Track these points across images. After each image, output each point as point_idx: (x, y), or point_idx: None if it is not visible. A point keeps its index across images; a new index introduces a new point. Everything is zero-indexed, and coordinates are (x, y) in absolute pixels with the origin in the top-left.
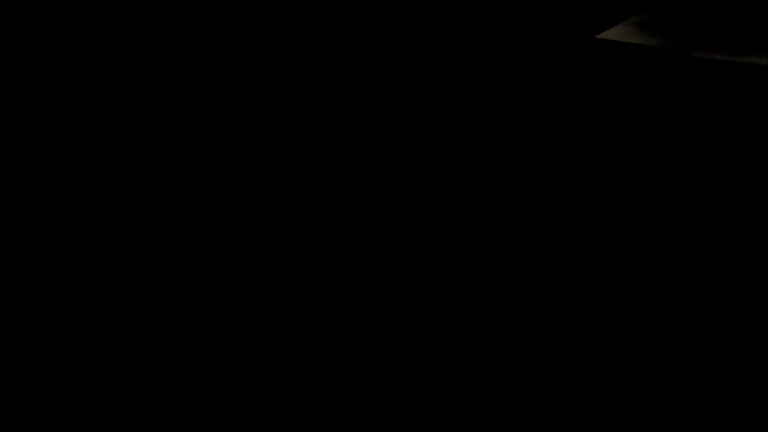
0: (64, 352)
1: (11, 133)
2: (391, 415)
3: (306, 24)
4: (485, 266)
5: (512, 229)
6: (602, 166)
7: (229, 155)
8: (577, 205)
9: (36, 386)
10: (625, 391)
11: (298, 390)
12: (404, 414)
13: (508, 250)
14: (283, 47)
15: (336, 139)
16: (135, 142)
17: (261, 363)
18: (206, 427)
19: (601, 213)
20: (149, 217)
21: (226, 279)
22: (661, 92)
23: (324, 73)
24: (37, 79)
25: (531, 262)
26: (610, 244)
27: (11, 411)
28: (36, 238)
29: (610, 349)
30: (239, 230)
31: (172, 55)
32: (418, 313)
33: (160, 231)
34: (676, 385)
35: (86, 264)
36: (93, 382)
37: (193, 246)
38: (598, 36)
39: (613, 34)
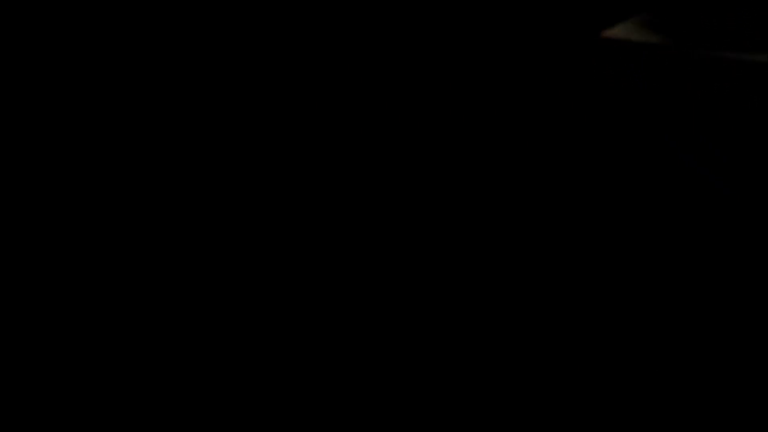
0: (64, 351)
1: (11, 133)
2: (391, 415)
3: (306, 24)
4: (486, 266)
5: (513, 228)
6: (602, 165)
7: (229, 155)
8: (577, 204)
9: (36, 386)
10: (626, 390)
11: (298, 390)
12: (404, 414)
13: (508, 249)
14: (283, 47)
15: (337, 138)
16: (134, 142)
17: (261, 363)
18: (206, 427)
19: (601, 212)
20: (149, 217)
21: (226, 279)
22: (663, 91)
23: (324, 72)
24: (37, 79)
25: (531, 262)
26: (609, 243)
27: (11, 411)
28: (36, 238)
29: (611, 349)
30: (239, 230)
31: (171, 55)
32: (418, 312)
33: (159, 231)
34: (677, 384)
35: (86, 264)
36: (93, 382)
37: (193, 246)
38: (603, 34)
39: (618, 32)
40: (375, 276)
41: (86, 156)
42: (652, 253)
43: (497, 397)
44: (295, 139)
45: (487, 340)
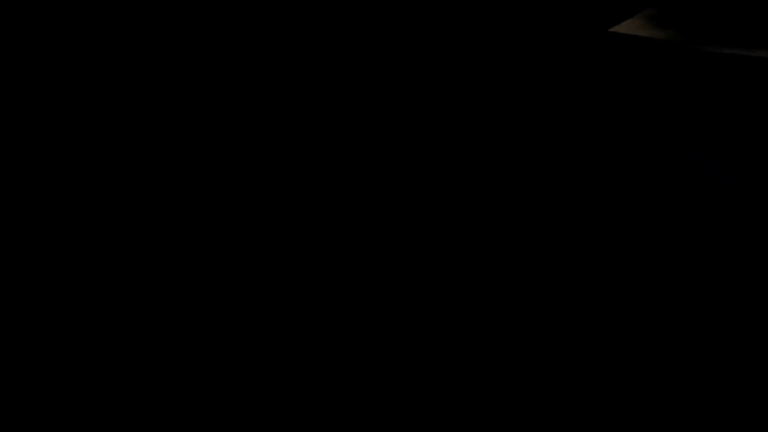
0: (64, 351)
1: (11, 133)
2: (391, 416)
3: (306, 24)
4: (487, 262)
5: (516, 220)
6: (607, 158)
7: (229, 156)
8: (581, 196)
9: (36, 386)
10: (627, 390)
11: (298, 390)
12: (404, 414)
13: (512, 241)
14: (283, 47)
15: (337, 138)
16: (134, 143)
17: (261, 363)
18: (206, 427)
19: (605, 203)
20: (149, 217)
21: (226, 279)
22: (668, 85)
23: (324, 73)
24: (37, 79)
25: (534, 252)
26: (612, 234)
27: (11, 411)
28: (36, 238)
29: (614, 347)
30: (239, 230)
31: (171, 55)
32: (418, 312)
33: (159, 231)
34: (679, 382)
35: (86, 264)
36: (92, 382)
37: (193, 246)
38: (610, 30)
39: (625, 27)
40: (375, 276)
41: (86, 156)
42: (655, 244)
43: (497, 397)
44: (295, 139)
45: (487, 340)
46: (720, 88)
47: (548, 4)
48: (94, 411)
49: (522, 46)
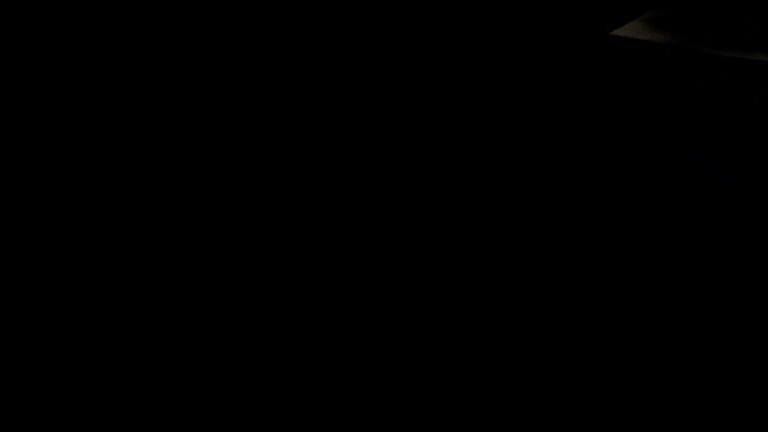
0: (63, 351)
1: (11, 133)
2: (391, 416)
3: (306, 24)
4: (486, 261)
5: (516, 220)
6: (608, 159)
7: (229, 156)
8: (582, 196)
9: (36, 386)
10: (628, 390)
11: (298, 390)
12: (404, 414)
13: (512, 241)
14: (283, 47)
15: (337, 138)
16: (134, 143)
17: (261, 363)
18: (206, 427)
19: (606, 205)
20: (148, 217)
21: (226, 279)
22: (669, 87)
23: (324, 72)
24: (37, 79)
25: (534, 252)
26: (613, 235)
27: (11, 411)
28: (36, 238)
29: (613, 346)
30: (239, 230)
31: (171, 54)
32: (417, 312)
33: (159, 231)
34: (680, 382)
35: (86, 264)
36: (92, 382)
37: (192, 246)
38: (611, 33)
39: (626, 30)
40: (375, 276)
41: (86, 156)
42: (655, 244)
43: (497, 398)
44: (294, 139)
45: (487, 340)
46: (720, 90)
47: (549, 7)
48: (93, 411)
49: (523, 49)
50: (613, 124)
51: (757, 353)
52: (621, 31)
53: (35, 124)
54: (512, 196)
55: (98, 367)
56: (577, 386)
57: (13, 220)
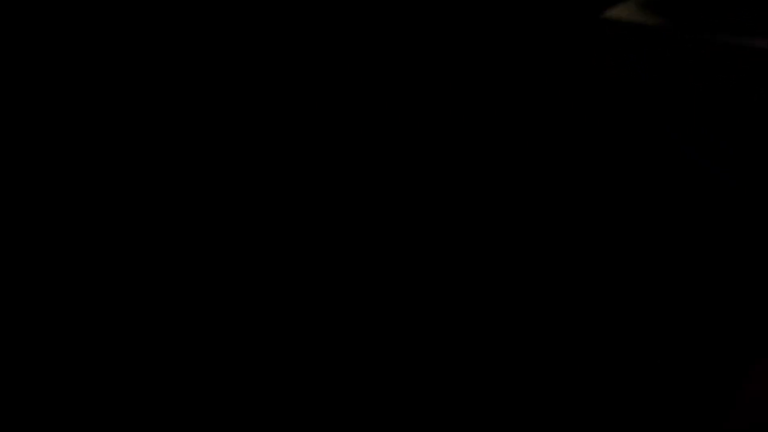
0: (63, 351)
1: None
2: (390, 416)
3: (305, 24)
4: (484, 262)
5: (511, 220)
6: (606, 158)
7: (228, 155)
8: (579, 197)
9: (35, 386)
10: (627, 390)
11: (298, 390)
12: (403, 414)
13: (508, 241)
14: (283, 47)
15: (335, 138)
16: (133, 142)
17: (260, 363)
18: (206, 428)
19: (604, 206)
20: (147, 217)
21: (225, 279)
22: (663, 73)
23: (323, 72)
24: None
25: (531, 253)
26: (612, 235)
27: (10, 411)
28: (36, 238)
29: (613, 347)
30: (238, 230)
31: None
32: (417, 313)
33: (157, 230)
34: (680, 383)
35: (85, 263)
36: (92, 382)
37: (191, 246)
38: (604, 14)
39: (619, 12)
40: (375, 276)
41: (86, 156)
42: (654, 244)
43: (496, 398)
44: (293, 139)
45: (487, 340)
46: (715, 77)
47: None
48: (93, 411)
49: (511, 31)
50: (609, 121)
51: (757, 353)
52: (614, 13)
53: (35, 124)
54: (504, 195)
55: (97, 366)
56: (577, 386)
57: (12, 220)
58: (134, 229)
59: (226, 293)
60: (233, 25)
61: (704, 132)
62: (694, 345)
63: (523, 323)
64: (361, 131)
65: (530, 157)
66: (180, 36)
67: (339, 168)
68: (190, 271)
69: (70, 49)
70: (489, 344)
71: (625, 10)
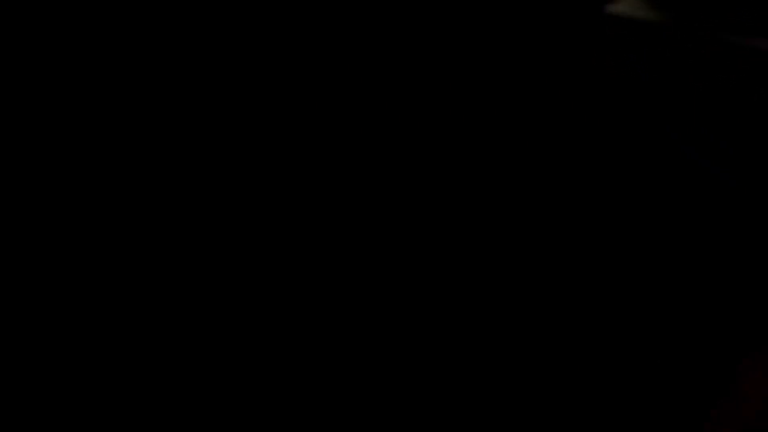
0: (63, 351)
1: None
2: (390, 416)
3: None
4: (483, 262)
5: (509, 220)
6: (606, 158)
7: (227, 154)
8: (578, 197)
9: (35, 386)
10: (627, 390)
11: (298, 390)
12: (403, 414)
13: (506, 241)
14: (283, 47)
15: (335, 138)
16: (133, 142)
17: (259, 363)
18: (206, 427)
19: (603, 206)
20: (146, 216)
21: (224, 279)
22: (664, 69)
23: (323, 72)
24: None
25: (530, 253)
26: (612, 236)
27: (10, 411)
28: (35, 238)
29: (613, 347)
30: (237, 230)
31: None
32: (416, 313)
33: (156, 230)
34: (679, 383)
35: (85, 264)
36: (92, 382)
37: (192, 246)
38: (606, 10)
39: (621, 7)
40: (375, 276)
41: (86, 156)
42: (654, 245)
43: (496, 398)
44: (293, 139)
45: (486, 341)
46: (717, 75)
47: None
48: (93, 411)
49: (513, 27)
50: (609, 119)
51: (757, 353)
52: (616, 9)
53: (35, 124)
54: (508, 194)
55: (98, 366)
56: (576, 386)
57: (12, 220)
58: (134, 229)
59: (226, 293)
60: (233, 25)
61: (704, 132)
62: (690, 341)
63: (523, 323)
64: (361, 131)
65: (530, 155)
66: (180, 36)
67: (339, 168)
68: (190, 271)
69: (71, 49)
70: (489, 344)
71: (627, 5)
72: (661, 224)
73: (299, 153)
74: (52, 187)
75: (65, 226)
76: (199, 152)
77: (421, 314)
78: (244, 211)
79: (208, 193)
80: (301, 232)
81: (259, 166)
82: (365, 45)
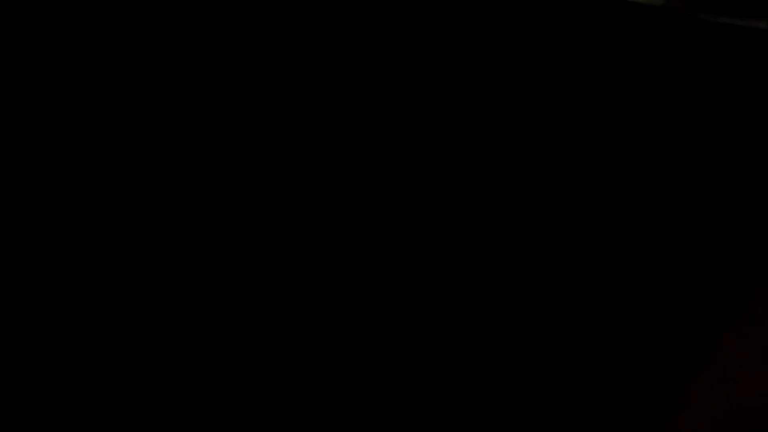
0: (63, 351)
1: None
2: (389, 416)
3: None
4: (485, 263)
5: (507, 221)
6: (605, 158)
7: (227, 154)
8: (577, 197)
9: (35, 386)
10: (626, 391)
11: (297, 390)
12: (402, 414)
13: (505, 242)
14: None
15: (334, 137)
16: (132, 142)
17: (259, 363)
18: (206, 428)
19: (603, 206)
20: (145, 216)
21: (223, 279)
22: (664, 54)
23: (322, 72)
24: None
25: (530, 254)
26: (611, 236)
27: (9, 411)
28: (35, 237)
29: (612, 348)
30: (237, 230)
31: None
32: (416, 313)
33: (155, 230)
34: (679, 384)
35: (85, 264)
36: (92, 382)
37: (191, 246)
38: None
39: None
40: (375, 276)
41: (86, 156)
42: (654, 245)
43: (495, 399)
44: (293, 139)
45: (486, 342)
46: (718, 59)
47: None
48: (93, 411)
49: (503, 11)
50: (609, 120)
51: (758, 353)
52: None
53: (35, 124)
54: (507, 194)
55: (97, 366)
56: (574, 387)
57: (12, 220)
58: (133, 229)
59: (226, 293)
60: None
61: (704, 132)
62: (693, 346)
63: (522, 323)
64: (360, 131)
65: (529, 154)
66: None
67: (339, 168)
68: (190, 270)
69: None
70: (488, 344)
71: None
72: (660, 224)
73: (299, 153)
74: (51, 187)
75: (65, 226)
76: (199, 152)
77: (421, 314)
78: (244, 210)
79: (208, 193)
80: (301, 231)
81: (258, 165)
82: (365, 45)
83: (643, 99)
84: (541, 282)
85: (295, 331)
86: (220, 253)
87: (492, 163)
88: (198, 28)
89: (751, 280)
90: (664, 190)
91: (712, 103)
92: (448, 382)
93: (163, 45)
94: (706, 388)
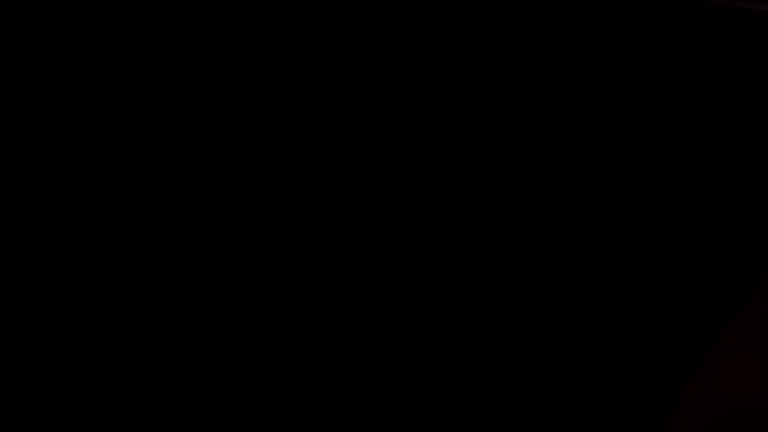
0: (63, 351)
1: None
2: (389, 416)
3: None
4: (485, 263)
5: (507, 222)
6: (605, 157)
7: (227, 154)
8: (577, 198)
9: (34, 386)
10: (626, 392)
11: (297, 390)
12: (402, 414)
13: (505, 243)
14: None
15: (334, 138)
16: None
17: (259, 363)
18: (206, 427)
19: (602, 206)
20: (145, 216)
21: (222, 279)
22: (666, 42)
23: (322, 72)
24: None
25: (530, 255)
26: (611, 236)
27: (11, 411)
28: (35, 237)
29: (612, 348)
30: (237, 230)
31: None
32: (415, 313)
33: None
34: (679, 384)
35: (85, 264)
36: (92, 382)
37: (191, 246)
38: None
39: None
40: (374, 275)
41: (86, 156)
42: (654, 245)
43: (495, 399)
44: (293, 139)
45: (485, 342)
46: (717, 42)
47: None
48: (93, 411)
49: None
50: (609, 118)
51: (757, 353)
52: None
53: (35, 124)
54: (507, 195)
55: (97, 366)
56: (574, 387)
57: (12, 220)
58: (132, 228)
59: (225, 293)
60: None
61: (704, 132)
62: (693, 346)
63: (522, 323)
64: (359, 130)
65: (528, 153)
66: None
67: (339, 168)
68: (190, 270)
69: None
70: (487, 342)
71: None
72: (660, 223)
73: (299, 153)
74: (51, 187)
75: (65, 226)
76: (199, 152)
77: (421, 314)
78: (244, 210)
79: (208, 192)
80: (301, 232)
81: (258, 165)
82: (365, 44)
83: (643, 99)
84: (541, 281)
85: (295, 331)
86: (220, 253)
87: (491, 161)
88: (198, 28)
89: (750, 279)
90: (664, 189)
91: (712, 103)
92: (448, 382)
93: (163, 45)
94: (705, 387)
